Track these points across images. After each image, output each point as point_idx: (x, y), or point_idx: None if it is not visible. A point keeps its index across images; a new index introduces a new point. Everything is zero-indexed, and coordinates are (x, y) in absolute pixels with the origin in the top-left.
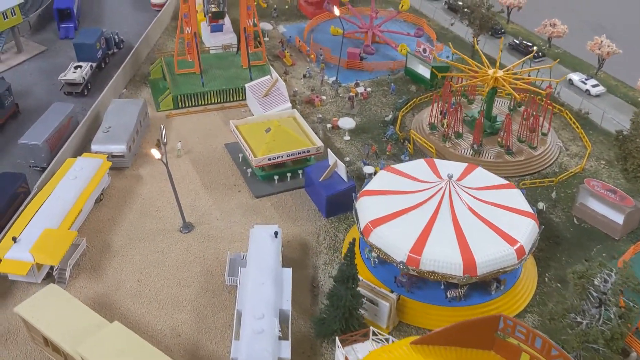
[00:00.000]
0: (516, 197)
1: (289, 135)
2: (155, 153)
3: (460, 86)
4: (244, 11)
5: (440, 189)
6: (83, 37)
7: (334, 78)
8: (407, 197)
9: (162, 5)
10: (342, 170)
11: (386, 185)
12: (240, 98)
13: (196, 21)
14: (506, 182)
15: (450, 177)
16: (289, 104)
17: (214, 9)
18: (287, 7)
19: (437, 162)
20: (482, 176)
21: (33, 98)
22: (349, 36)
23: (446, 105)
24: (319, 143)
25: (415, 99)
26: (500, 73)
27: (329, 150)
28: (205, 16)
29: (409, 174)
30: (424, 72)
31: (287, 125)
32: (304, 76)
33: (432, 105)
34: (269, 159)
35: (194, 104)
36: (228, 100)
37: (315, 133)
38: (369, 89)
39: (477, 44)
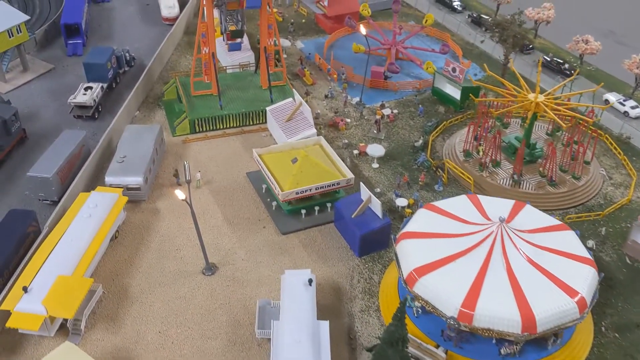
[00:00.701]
0: (572, 240)
1: (317, 167)
2: (179, 194)
3: (501, 112)
4: (265, 30)
5: (491, 233)
6: (93, 56)
7: (357, 99)
8: (453, 241)
9: (174, 20)
10: (376, 206)
11: (429, 226)
12: (261, 121)
13: (214, 40)
14: (558, 222)
15: (502, 220)
16: (314, 130)
17: (232, 28)
18: (303, 20)
19: (482, 198)
20: (532, 216)
21: (41, 122)
22: (371, 53)
23: (479, 129)
24: (350, 175)
25: (445, 122)
26: (541, 98)
27: (361, 184)
28: (222, 34)
29: (452, 214)
30: (454, 92)
31: (314, 154)
32: (326, 96)
33: (467, 130)
34: (297, 193)
35: (211, 128)
36: (248, 123)
37: (342, 160)
38: (395, 111)
39: (509, 62)
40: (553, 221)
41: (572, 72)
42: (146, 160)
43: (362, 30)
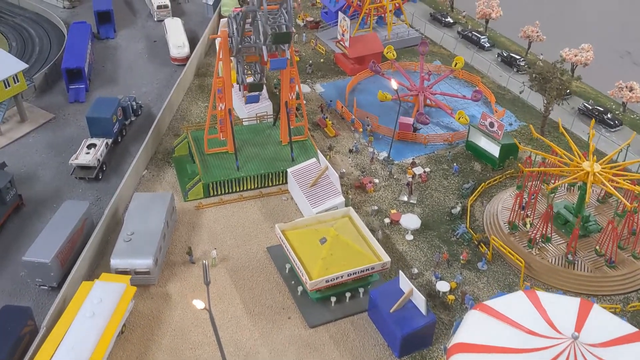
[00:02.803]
0: None
1: (348, 248)
2: (198, 303)
3: (555, 186)
4: (287, 83)
5: (562, 352)
6: (97, 109)
7: (384, 153)
8: (517, 358)
9: (183, 60)
10: (420, 301)
11: (484, 336)
12: (281, 182)
13: (231, 96)
14: (633, 329)
15: (575, 337)
16: (342, 198)
17: (251, 81)
18: (322, 60)
19: (542, 297)
20: (603, 321)
21: (40, 185)
22: (398, 99)
23: (525, 195)
24: (385, 257)
25: (483, 184)
26: (597, 167)
27: (400, 273)
28: (238, 84)
29: (512, 319)
30: (492, 149)
31: (344, 230)
32: (351, 151)
33: (514, 202)
34: (327, 281)
35: (227, 190)
36: (267, 184)
37: (373, 231)
38: (427, 169)
39: (547, 110)
40: (627, 327)
41: (616, 122)
42: (156, 238)
43: (394, 84)
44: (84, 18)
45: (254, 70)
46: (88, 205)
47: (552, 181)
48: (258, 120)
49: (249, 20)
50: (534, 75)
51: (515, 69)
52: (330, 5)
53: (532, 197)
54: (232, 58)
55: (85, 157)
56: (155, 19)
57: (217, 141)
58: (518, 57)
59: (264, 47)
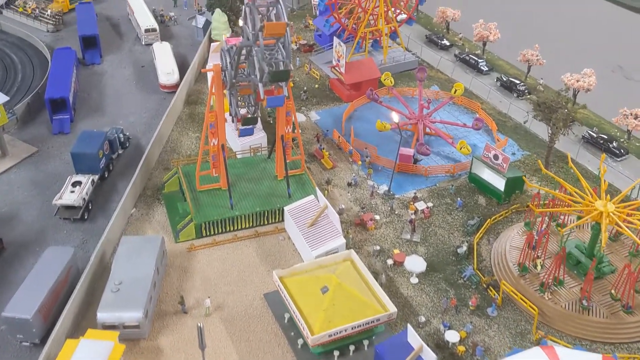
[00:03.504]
0: None
1: (352, 298)
2: None
3: (569, 228)
4: (283, 117)
5: None
6: (82, 144)
7: (384, 187)
8: None
9: (173, 87)
10: (430, 357)
11: None
12: (277, 219)
13: (224, 131)
14: None
15: None
16: (342, 240)
17: (245, 114)
18: (316, 86)
19: (561, 353)
20: None
21: (22, 226)
22: (396, 127)
23: (536, 237)
24: (392, 308)
25: (489, 220)
26: (611, 207)
27: (409, 326)
28: (231, 116)
29: None
30: (497, 183)
31: (346, 276)
32: (349, 184)
33: (525, 243)
34: (330, 335)
35: (221, 230)
36: (262, 223)
37: (376, 275)
38: (429, 204)
39: (552, 140)
40: None
41: (622, 151)
42: (147, 287)
43: (395, 117)
44: (68, 43)
45: (247, 102)
46: (72, 252)
47: (561, 218)
48: (252, 153)
49: (244, 53)
50: (538, 104)
51: (515, 94)
52: (325, 29)
53: (543, 237)
54: (224, 91)
55: (69, 196)
56: (143, 43)
57: (209, 177)
58: (518, 81)
59: (260, 84)
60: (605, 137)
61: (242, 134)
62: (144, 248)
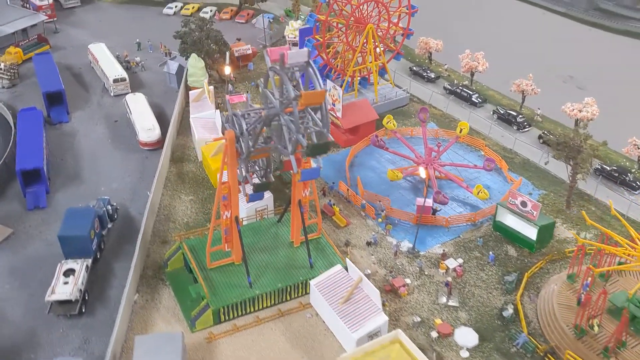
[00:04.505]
0: None
1: None
2: None
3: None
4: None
5: None
6: (70, 225)
7: (407, 243)
8: None
9: (154, 144)
10: None
11: None
12: (301, 294)
13: (237, 202)
14: None
15: None
16: (385, 318)
17: (257, 181)
18: None
19: None
20: None
21: (8, 327)
22: (409, 174)
23: (585, 292)
24: None
25: (527, 274)
26: None
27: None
28: (239, 184)
29: None
30: (527, 232)
31: None
32: (368, 244)
33: (583, 304)
34: None
35: (240, 313)
36: (285, 299)
37: (422, 350)
38: (459, 260)
39: (574, 180)
40: None
41: (638, 183)
42: None
43: (422, 173)
44: (29, 99)
45: (258, 166)
46: None
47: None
48: (259, 217)
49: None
50: (557, 143)
51: (515, 127)
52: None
53: (597, 295)
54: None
55: (64, 289)
56: (112, 94)
57: (220, 252)
58: (515, 113)
59: (292, 157)
60: (617, 169)
61: (252, 199)
62: (163, 350)
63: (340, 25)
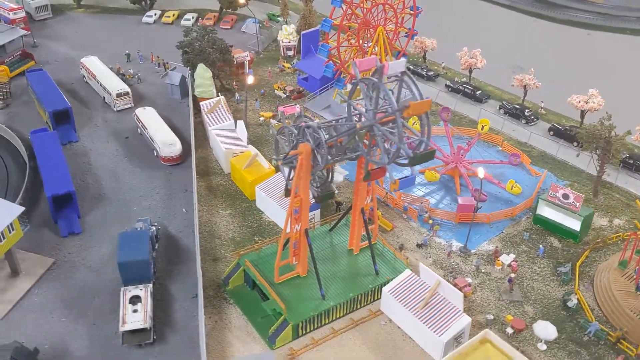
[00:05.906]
0: None
1: None
2: None
3: None
4: (364, 187)
5: None
6: (128, 250)
7: (457, 243)
8: None
9: (176, 160)
10: None
11: None
12: (369, 302)
13: (307, 215)
14: None
15: None
16: (468, 319)
17: (319, 192)
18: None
19: None
20: None
21: None
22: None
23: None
24: None
25: (577, 263)
26: None
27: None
28: (285, 194)
29: None
30: (570, 223)
31: None
32: (419, 246)
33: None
34: None
35: (317, 325)
36: (355, 307)
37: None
38: (512, 255)
39: (601, 170)
40: None
41: None
42: None
43: (481, 173)
44: (27, 120)
45: (321, 178)
46: None
47: None
48: (312, 227)
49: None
50: (587, 136)
51: (524, 121)
52: (328, 72)
53: None
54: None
55: (135, 317)
56: (116, 110)
57: (284, 266)
58: (518, 106)
59: (388, 168)
60: (632, 157)
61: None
62: None
63: (351, 29)
